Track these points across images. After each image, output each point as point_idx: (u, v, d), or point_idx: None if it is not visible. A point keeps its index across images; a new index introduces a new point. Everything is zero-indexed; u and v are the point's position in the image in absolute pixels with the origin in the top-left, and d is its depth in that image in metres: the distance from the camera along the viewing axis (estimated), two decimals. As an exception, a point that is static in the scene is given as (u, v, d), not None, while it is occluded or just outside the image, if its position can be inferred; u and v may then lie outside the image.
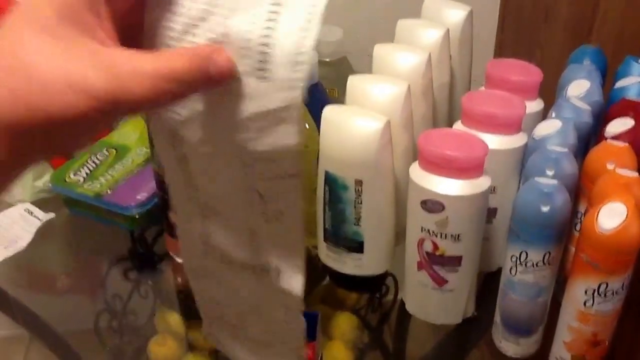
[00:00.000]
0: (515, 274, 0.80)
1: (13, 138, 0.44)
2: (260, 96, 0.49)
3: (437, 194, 0.80)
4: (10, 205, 1.13)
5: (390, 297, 0.99)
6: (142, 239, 1.09)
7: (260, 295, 0.61)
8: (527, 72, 0.95)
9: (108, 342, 0.95)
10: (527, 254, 0.78)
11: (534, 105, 0.94)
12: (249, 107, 0.50)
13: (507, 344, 0.86)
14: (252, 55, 0.48)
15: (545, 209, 0.75)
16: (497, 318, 0.86)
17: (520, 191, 0.78)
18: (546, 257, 0.78)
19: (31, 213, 1.10)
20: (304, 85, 0.48)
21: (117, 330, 0.96)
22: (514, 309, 0.83)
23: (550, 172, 0.79)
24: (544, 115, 0.94)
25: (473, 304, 0.91)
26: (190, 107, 0.52)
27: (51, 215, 1.11)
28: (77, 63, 0.45)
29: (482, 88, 0.96)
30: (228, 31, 0.48)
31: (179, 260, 0.98)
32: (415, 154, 0.92)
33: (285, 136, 0.50)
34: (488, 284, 0.93)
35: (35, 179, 1.14)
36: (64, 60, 0.45)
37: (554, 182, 0.76)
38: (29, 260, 1.06)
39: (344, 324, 0.94)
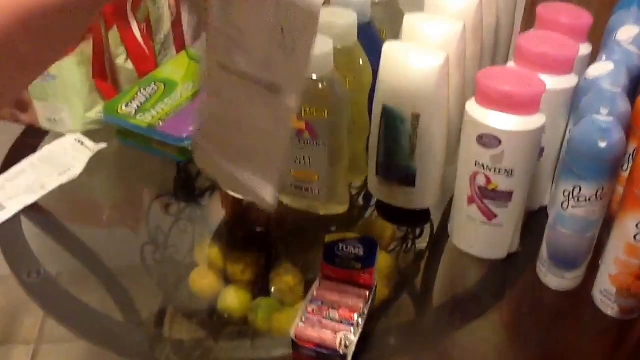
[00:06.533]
0: (567, 208, 0.83)
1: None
2: None
3: (495, 129, 0.82)
4: (61, 135, 1.15)
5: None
6: (187, 172, 1.11)
7: (260, 107, 0.69)
8: (577, 15, 0.96)
9: (153, 274, 0.97)
10: (580, 189, 0.80)
11: (584, 49, 0.96)
12: None
13: (552, 278, 0.89)
14: None
15: (602, 144, 0.77)
16: (544, 252, 0.89)
17: (578, 126, 0.80)
18: (599, 192, 0.80)
19: (82, 143, 1.12)
20: None
21: (160, 262, 0.97)
22: (563, 243, 0.86)
23: (604, 111, 0.80)
24: (590, 59, 0.96)
25: (518, 241, 0.94)
26: None
27: (102, 145, 1.13)
28: None
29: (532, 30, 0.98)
30: None
31: (230, 192, 1.00)
32: (466, 91, 0.94)
33: None
34: (529, 222, 0.96)
35: (87, 111, 1.16)
36: None
37: (611, 118, 0.78)
38: (77, 192, 1.07)
39: (382, 262, 0.95)
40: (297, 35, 0.63)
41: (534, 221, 0.97)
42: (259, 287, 0.90)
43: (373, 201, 1.02)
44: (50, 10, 0.51)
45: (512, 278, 0.95)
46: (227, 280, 0.92)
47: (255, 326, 0.85)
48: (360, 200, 1.04)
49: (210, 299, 0.90)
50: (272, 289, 0.90)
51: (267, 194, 0.75)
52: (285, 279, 0.90)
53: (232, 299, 0.89)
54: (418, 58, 0.85)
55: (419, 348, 0.87)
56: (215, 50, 0.67)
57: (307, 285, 0.88)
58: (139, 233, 1.04)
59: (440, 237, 1.00)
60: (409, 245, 1.00)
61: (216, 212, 1.07)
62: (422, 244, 1.00)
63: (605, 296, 0.86)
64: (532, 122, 0.83)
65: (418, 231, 1.01)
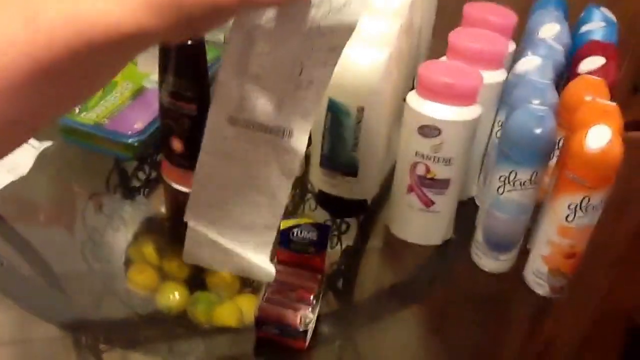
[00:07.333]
0: (503, 192, 0.88)
1: None
2: None
3: (435, 119, 0.88)
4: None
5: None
6: (123, 171, 1.12)
7: (269, 159, 0.67)
8: (503, 14, 1.03)
9: (91, 272, 0.97)
10: (516, 174, 0.86)
11: (510, 45, 1.02)
12: None
13: (487, 261, 0.95)
14: None
15: (537, 130, 0.83)
16: (479, 237, 0.95)
17: (515, 114, 0.86)
18: (533, 176, 0.86)
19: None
20: None
21: (98, 260, 0.98)
22: (499, 226, 0.92)
23: (536, 102, 0.87)
24: (514, 55, 1.03)
25: (452, 228, 1.00)
26: None
27: (47, 143, 1.13)
28: None
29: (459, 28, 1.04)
30: None
31: (175, 186, 1.04)
32: (401, 86, 0.99)
33: (355, 14, 0.60)
34: (459, 211, 1.01)
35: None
36: None
37: (546, 107, 0.84)
38: (19, 190, 1.07)
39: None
40: (315, 70, 0.62)
41: (464, 210, 1.02)
42: (197, 282, 0.92)
43: (306, 195, 1.07)
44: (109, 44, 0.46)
45: (448, 263, 1.01)
46: (165, 276, 0.93)
47: (195, 320, 0.87)
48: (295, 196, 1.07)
49: (149, 295, 0.91)
50: (209, 284, 0.92)
51: (265, 264, 0.73)
52: (221, 274, 0.92)
53: (171, 295, 0.91)
54: (364, 53, 0.90)
55: (355, 335, 0.91)
56: (227, 105, 0.63)
57: (243, 280, 0.91)
58: (78, 231, 1.04)
59: (378, 225, 1.05)
60: (345, 234, 1.03)
61: (153, 209, 1.08)
62: (360, 233, 1.04)
63: (537, 276, 0.92)
64: (470, 112, 0.89)
65: (355, 221, 1.04)
